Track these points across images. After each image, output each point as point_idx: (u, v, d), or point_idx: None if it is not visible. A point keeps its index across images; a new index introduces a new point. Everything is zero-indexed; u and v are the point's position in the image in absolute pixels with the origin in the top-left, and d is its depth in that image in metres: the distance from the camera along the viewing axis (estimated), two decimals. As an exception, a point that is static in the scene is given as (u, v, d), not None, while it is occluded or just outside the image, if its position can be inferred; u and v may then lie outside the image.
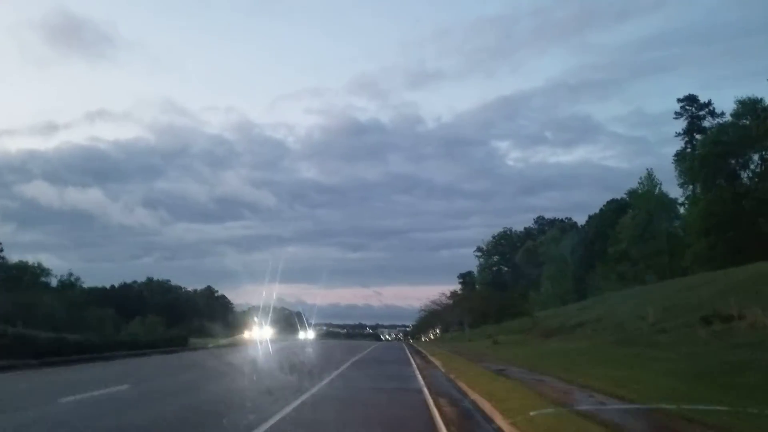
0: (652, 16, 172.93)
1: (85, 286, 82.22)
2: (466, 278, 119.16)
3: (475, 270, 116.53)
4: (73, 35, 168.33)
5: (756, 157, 51.36)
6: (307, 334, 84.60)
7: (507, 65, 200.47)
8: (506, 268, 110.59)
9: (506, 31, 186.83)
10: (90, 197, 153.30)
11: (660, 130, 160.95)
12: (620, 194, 79.97)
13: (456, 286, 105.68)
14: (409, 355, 31.81)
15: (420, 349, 39.37)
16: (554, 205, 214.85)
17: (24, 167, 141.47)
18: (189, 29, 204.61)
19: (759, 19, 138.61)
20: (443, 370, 18.99)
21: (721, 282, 28.74)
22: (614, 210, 74.49)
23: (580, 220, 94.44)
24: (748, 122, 50.19)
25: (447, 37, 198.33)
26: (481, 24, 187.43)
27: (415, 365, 22.24)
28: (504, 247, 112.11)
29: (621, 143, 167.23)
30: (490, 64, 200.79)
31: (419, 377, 16.78)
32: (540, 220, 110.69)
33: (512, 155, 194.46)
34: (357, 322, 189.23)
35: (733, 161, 52.05)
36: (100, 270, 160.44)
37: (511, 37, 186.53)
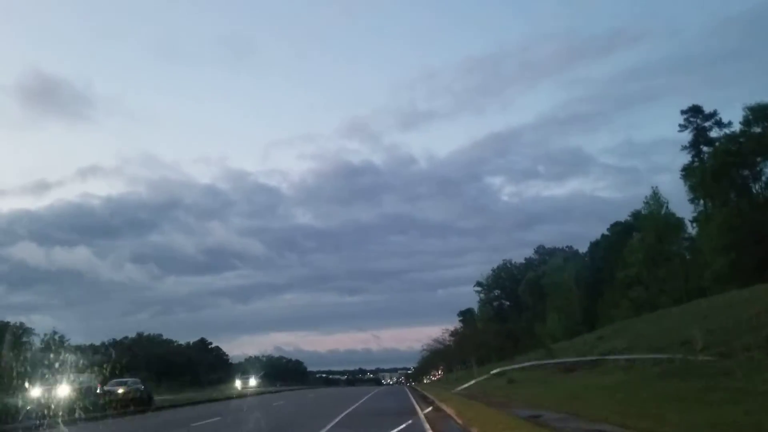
0: (635, 49, 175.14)
1: (73, 344, 78.50)
2: (466, 315, 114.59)
3: (475, 307, 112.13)
4: (50, 97, 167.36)
5: (769, 166, 48.33)
6: (248, 382, 68.30)
7: (496, 102, 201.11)
8: (508, 302, 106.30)
9: (494, 69, 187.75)
10: (83, 254, 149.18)
11: (650, 159, 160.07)
12: (610, 223, 77.10)
13: (456, 325, 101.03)
14: (414, 403, 27.75)
15: (425, 393, 35.13)
16: (550, 239, 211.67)
17: (11, 228, 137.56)
18: (173, 84, 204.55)
19: (738, 46, 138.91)
20: (460, 421, 15.07)
21: (764, 298, 25.10)
22: (619, 234, 71.02)
23: (580, 250, 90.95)
24: (759, 130, 47.23)
25: (436, 77, 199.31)
26: (469, 64, 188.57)
27: (423, 418, 18.27)
28: (504, 280, 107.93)
29: (612, 174, 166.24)
30: (479, 102, 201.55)
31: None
32: (540, 250, 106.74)
33: (506, 190, 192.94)
34: (357, 368, 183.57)
35: (745, 172, 48.99)
36: (95, 328, 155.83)
37: (499, 75, 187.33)
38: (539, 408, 16.64)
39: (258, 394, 54.68)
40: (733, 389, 12.92)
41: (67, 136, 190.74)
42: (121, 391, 29.40)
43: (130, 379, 33.73)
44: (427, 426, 14.81)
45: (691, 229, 58.90)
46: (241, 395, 49.30)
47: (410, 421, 16.62)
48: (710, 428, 8.78)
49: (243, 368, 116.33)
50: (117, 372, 35.58)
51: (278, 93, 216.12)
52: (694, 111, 54.92)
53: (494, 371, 36.63)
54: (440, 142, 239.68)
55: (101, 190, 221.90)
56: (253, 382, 72.89)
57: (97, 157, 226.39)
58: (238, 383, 67.30)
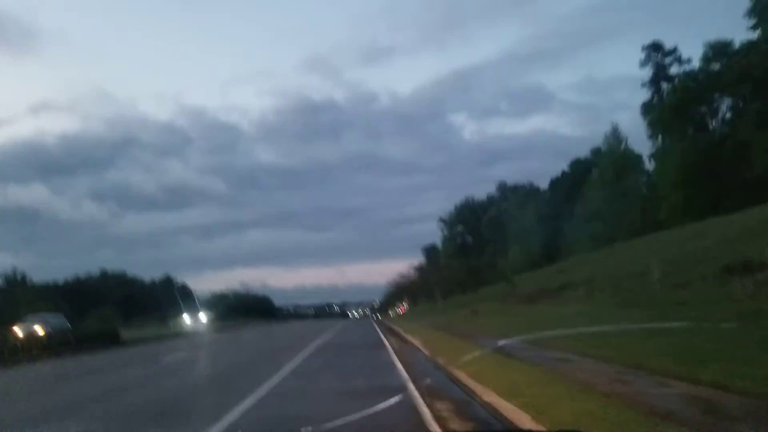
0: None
1: (37, 282, 77.26)
2: (429, 251, 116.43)
3: (438, 242, 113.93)
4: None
5: (726, 103, 49.24)
6: (197, 319, 59.74)
7: (458, 37, 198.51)
8: (471, 238, 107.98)
9: (455, 3, 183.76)
10: (40, 192, 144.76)
11: (610, 96, 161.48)
12: (571, 160, 78.34)
13: (420, 260, 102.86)
14: (381, 336, 28.31)
15: (393, 326, 35.84)
16: (512, 175, 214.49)
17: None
18: (124, 16, 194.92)
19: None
20: (426, 352, 15.43)
21: (718, 231, 25.96)
22: (579, 170, 72.30)
23: (541, 186, 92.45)
24: (718, 67, 47.75)
25: (397, 11, 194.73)
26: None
27: (394, 356, 18.64)
28: (467, 216, 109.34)
29: (573, 111, 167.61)
30: (441, 37, 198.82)
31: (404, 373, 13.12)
32: (502, 187, 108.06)
33: (468, 128, 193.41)
34: (324, 302, 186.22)
35: (703, 109, 49.83)
36: (57, 267, 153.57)
37: (461, 9, 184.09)
38: (503, 338, 17.13)
39: (220, 330, 54.76)
40: (690, 318, 13.45)
41: (15, 70, 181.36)
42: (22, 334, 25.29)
43: (49, 316, 29.49)
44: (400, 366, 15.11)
45: (649, 165, 60.34)
46: (199, 332, 47.83)
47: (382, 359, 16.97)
48: (667, 356, 9.12)
49: (197, 303, 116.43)
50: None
51: (235, 27, 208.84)
52: (655, 47, 55.00)
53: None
54: (402, 78, 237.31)
55: (55, 126, 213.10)
56: (203, 318, 67.20)
57: (49, 93, 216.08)
58: (186, 319, 61.47)
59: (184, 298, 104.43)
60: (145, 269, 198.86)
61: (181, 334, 41.48)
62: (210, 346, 28.47)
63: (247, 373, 13.46)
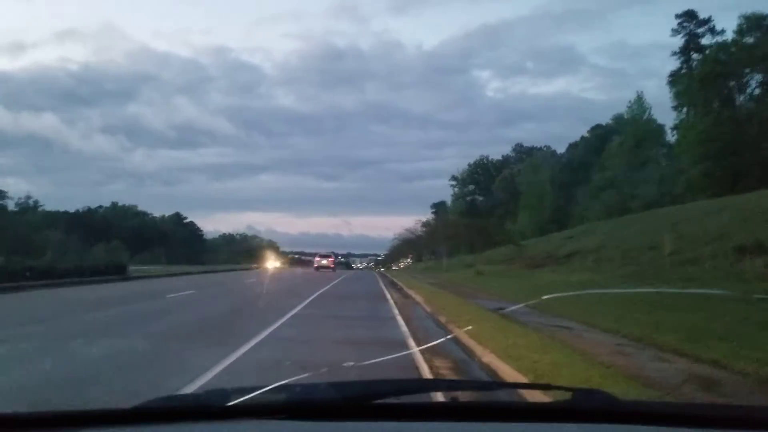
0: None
1: (47, 210, 77.97)
2: (439, 208, 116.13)
3: (448, 200, 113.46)
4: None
5: (756, 78, 47.71)
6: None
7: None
8: (481, 198, 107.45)
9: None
10: (59, 121, 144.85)
11: (640, 63, 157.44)
12: (592, 125, 77.02)
13: (429, 216, 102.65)
14: (385, 290, 28.37)
15: (396, 281, 35.84)
16: (531, 137, 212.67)
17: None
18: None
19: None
20: (428, 308, 15.40)
21: (734, 210, 25.46)
22: (599, 136, 71.11)
23: (558, 150, 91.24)
24: (752, 40, 46.14)
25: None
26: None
27: (393, 303, 18.64)
28: (480, 175, 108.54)
29: (601, 75, 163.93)
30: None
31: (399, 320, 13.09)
32: (518, 148, 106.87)
33: (492, 85, 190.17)
34: (329, 251, 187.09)
35: (732, 83, 48.38)
36: (70, 196, 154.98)
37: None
38: (506, 301, 17.08)
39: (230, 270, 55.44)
40: (697, 296, 13.27)
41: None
42: None
43: None
44: (397, 313, 15.10)
45: (671, 137, 59.21)
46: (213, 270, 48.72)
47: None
48: (672, 331, 8.98)
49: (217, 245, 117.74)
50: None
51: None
52: (689, 16, 53.26)
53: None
54: (430, 30, 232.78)
55: (77, 56, 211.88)
56: None
57: (72, 23, 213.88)
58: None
59: (193, 237, 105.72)
60: (156, 205, 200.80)
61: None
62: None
63: (249, 318, 13.49)
